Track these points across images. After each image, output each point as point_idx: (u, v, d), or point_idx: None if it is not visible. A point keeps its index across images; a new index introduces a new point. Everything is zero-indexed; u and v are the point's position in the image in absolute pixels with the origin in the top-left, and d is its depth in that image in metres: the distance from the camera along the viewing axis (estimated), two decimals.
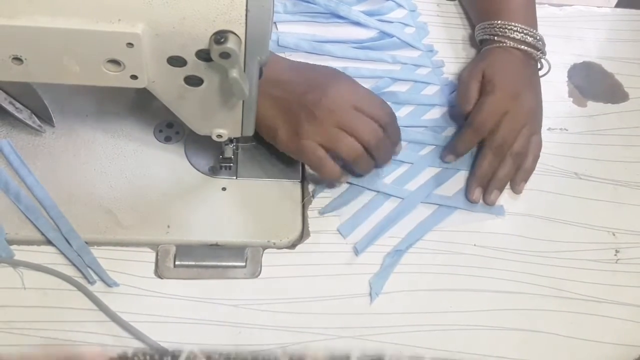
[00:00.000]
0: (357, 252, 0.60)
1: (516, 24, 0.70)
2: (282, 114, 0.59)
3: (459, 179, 0.67)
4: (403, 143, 0.68)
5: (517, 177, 0.66)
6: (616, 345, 0.58)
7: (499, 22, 0.71)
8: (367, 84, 0.71)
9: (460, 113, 0.69)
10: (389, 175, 0.66)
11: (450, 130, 0.71)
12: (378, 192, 0.64)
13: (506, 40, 0.70)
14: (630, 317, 0.60)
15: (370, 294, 0.58)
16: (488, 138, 0.65)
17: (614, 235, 0.65)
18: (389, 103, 0.70)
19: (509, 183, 0.66)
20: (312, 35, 0.76)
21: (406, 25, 0.79)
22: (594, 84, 0.78)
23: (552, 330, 0.58)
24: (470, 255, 0.62)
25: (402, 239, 0.62)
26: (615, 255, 0.64)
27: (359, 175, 0.64)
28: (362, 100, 0.60)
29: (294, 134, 0.59)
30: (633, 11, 0.87)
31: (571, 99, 0.76)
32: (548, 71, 0.72)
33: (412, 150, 0.68)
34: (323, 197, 0.64)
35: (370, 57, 0.75)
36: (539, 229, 0.65)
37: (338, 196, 0.64)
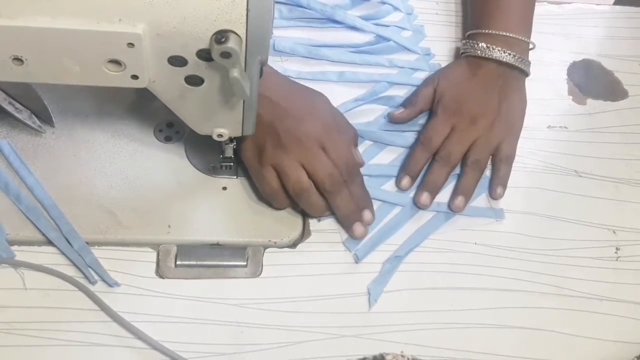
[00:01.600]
0: (357, 259, 0.60)
1: (496, 45, 0.69)
2: (255, 132, 0.58)
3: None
4: (400, 149, 0.68)
5: (493, 184, 0.66)
6: (617, 342, 0.58)
7: (478, 40, 0.71)
8: (364, 89, 0.72)
9: (398, 114, 0.69)
10: (389, 183, 0.66)
11: None
12: (381, 201, 0.64)
13: (478, 55, 0.70)
14: (631, 314, 0.60)
15: (369, 300, 0.58)
16: (437, 152, 0.66)
17: (614, 232, 0.65)
18: (386, 107, 0.71)
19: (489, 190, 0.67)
20: (309, 39, 0.76)
21: (403, 29, 0.79)
22: (593, 81, 0.78)
23: (553, 328, 0.58)
24: (470, 253, 0.62)
25: (401, 245, 0.61)
26: (616, 252, 0.64)
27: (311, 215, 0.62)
28: (330, 143, 0.60)
29: (258, 151, 0.59)
30: (632, 8, 0.87)
31: (571, 97, 0.76)
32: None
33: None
34: None
35: (367, 61, 0.75)
36: (539, 227, 0.65)
37: None
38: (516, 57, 0.69)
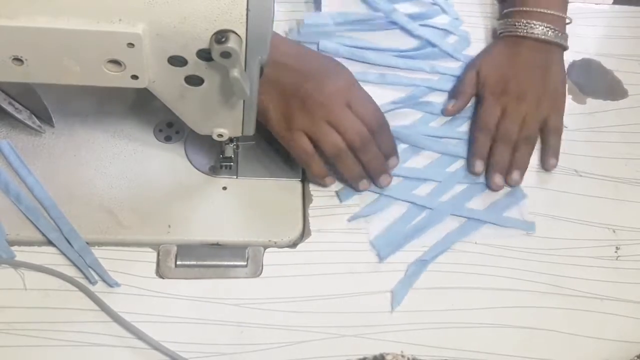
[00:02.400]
0: (381, 258, 0.60)
1: (536, 22, 0.70)
2: (276, 97, 0.60)
3: (492, 194, 0.66)
4: (436, 154, 0.68)
5: (545, 155, 0.69)
6: (617, 342, 0.58)
7: (515, 17, 0.72)
8: (403, 92, 0.72)
9: (451, 108, 0.71)
10: (420, 188, 0.66)
11: None
12: (409, 202, 0.64)
13: (517, 33, 0.71)
14: (631, 314, 0.60)
15: (392, 303, 0.58)
16: (496, 132, 0.68)
17: (614, 232, 0.65)
18: (424, 112, 0.71)
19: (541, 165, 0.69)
20: (353, 41, 0.76)
21: (449, 32, 0.79)
22: (593, 81, 0.78)
23: (553, 327, 0.58)
24: (471, 253, 0.62)
25: (428, 249, 0.61)
26: (616, 252, 0.64)
27: (348, 182, 0.63)
28: (355, 99, 0.61)
29: (284, 119, 0.59)
30: (631, 8, 0.87)
31: (570, 96, 0.76)
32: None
33: (447, 161, 0.68)
34: (350, 205, 0.63)
35: (409, 65, 0.75)
36: (539, 227, 0.64)
37: (367, 205, 0.63)
38: (556, 33, 0.70)
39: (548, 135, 0.69)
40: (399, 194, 0.64)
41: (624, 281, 0.62)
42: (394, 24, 0.78)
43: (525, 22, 0.71)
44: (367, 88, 0.68)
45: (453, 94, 0.72)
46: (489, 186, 0.66)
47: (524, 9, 0.72)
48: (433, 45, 0.77)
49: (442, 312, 0.58)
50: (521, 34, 0.71)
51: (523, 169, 0.67)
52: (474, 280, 0.60)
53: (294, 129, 0.59)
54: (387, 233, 0.62)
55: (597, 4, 0.86)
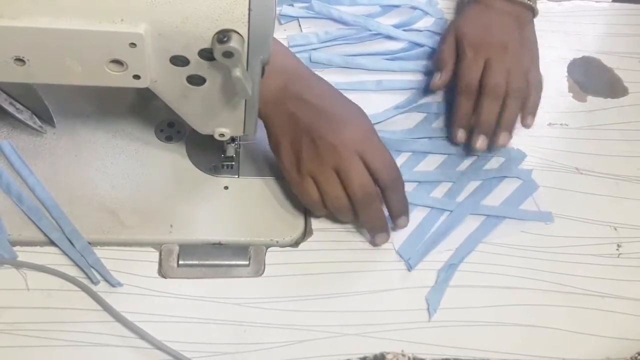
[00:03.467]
0: (410, 267, 0.60)
1: None
2: (289, 132, 0.58)
3: (505, 188, 0.67)
4: (443, 156, 0.68)
5: (524, 112, 0.66)
6: (618, 339, 0.58)
7: None
8: (402, 96, 0.72)
9: (438, 81, 0.69)
10: (436, 190, 0.66)
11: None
12: (429, 207, 0.64)
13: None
14: (633, 311, 0.60)
15: (428, 310, 0.58)
16: (481, 86, 0.65)
17: (615, 229, 0.65)
18: (425, 113, 0.71)
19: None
20: (345, 51, 0.76)
21: (435, 33, 0.79)
22: (593, 78, 0.78)
23: (554, 325, 0.58)
24: (472, 251, 0.62)
25: (454, 252, 0.61)
26: (617, 249, 0.64)
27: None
28: (369, 150, 0.57)
29: (295, 158, 0.58)
30: (631, 5, 0.87)
31: (571, 94, 0.76)
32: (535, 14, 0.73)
33: (456, 161, 0.68)
34: None
35: (403, 67, 0.75)
36: (540, 224, 0.65)
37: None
38: None
39: (531, 89, 0.66)
40: (416, 200, 0.64)
41: (625, 279, 0.62)
42: (378, 34, 0.78)
43: None
44: (366, 96, 0.69)
45: (435, 65, 0.70)
46: (473, 149, 0.64)
47: None
48: (421, 45, 0.77)
49: (443, 311, 0.58)
50: None
51: (512, 128, 0.64)
52: (475, 278, 0.60)
53: (303, 174, 0.57)
54: (411, 240, 0.62)
55: (597, 1, 0.87)
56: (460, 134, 0.64)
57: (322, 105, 0.58)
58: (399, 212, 0.60)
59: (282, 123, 0.58)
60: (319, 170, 0.57)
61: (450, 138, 0.65)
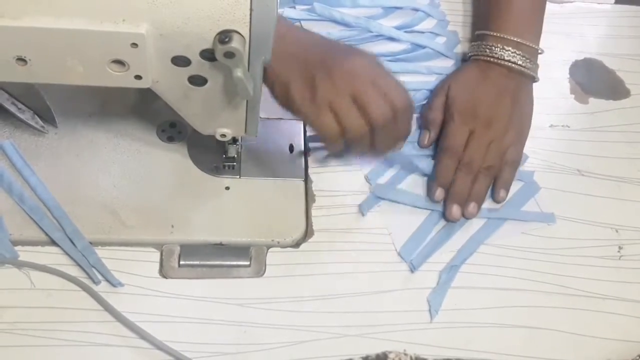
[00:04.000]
0: (413, 268, 0.60)
1: (509, 48, 0.69)
2: (299, 70, 0.57)
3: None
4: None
5: (496, 187, 0.66)
6: (620, 341, 0.58)
7: (489, 42, 0.70)
8: None
9: (427, 142, 0.69)
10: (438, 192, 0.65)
11: None
12: (430, 210, 0.64)
13: (490, 58, 0.69)
14: (634, 313, 0.60)
15: (430, 312, 0.58)
16: (460, 164, 0.66)
17: (617, 231, 0.65)
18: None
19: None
20: None
21: (437, 34, 0.79)
22: (595, 80, 0.78)
23: (555, 327, 0.58)
24: (474, 253, 0.62)
25: (456, 254, 0.61)
26: (619, 251, 0.64)
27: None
28: (382, 77, 0.58)
29: (308, 90, 0.56)
30: (633, 7, 0.87)
31: (573, 96, 0.76)
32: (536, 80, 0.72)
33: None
34: (354, 205, 0.63)
35: (405, 69, 0.75)
36: (542, 226, 0.65)
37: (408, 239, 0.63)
38: (526, 59, 0.69)
39: (504, 166, 0.66)
40: (417, 202, 0.64)
41: (627, 280, 0.62)
42: (380, 36, 0.78)
43: (500, 47, 0.69)
44: None
45: (424, 123, 0.70)
46: (446, 217, 0.64)
47: (498, 34, 0.70)
48: (423, 46, 0.77)
49: (444, 312, 0.58)
50: (493, 58, 0.69)
51: (481, 201, 0.64)
52: (477, 279, 0.60)
53: (319, 102, 0.56)
54: (412, 242, 0.62)
55: (599, 3, 0.86)
56: (439, 193, 0.64)
57: (327, 41, 0.59)
58: (404, 133, 0.62)
59: (287, 66, 0.57)
60: (337, 98, 0.56)
61: (428, 193, 0.65)
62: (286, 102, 0.58)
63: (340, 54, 0.58)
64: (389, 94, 0.57)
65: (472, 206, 0.64)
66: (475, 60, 0.71)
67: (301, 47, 0.58)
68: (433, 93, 0.72)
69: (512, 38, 0.69)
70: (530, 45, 0.70)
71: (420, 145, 0.69)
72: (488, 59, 0.69)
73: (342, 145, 0.59)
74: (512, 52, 0.69)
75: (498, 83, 0.68)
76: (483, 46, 0.70)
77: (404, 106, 0.58)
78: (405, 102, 0.59)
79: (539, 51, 0.71)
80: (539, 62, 0.71)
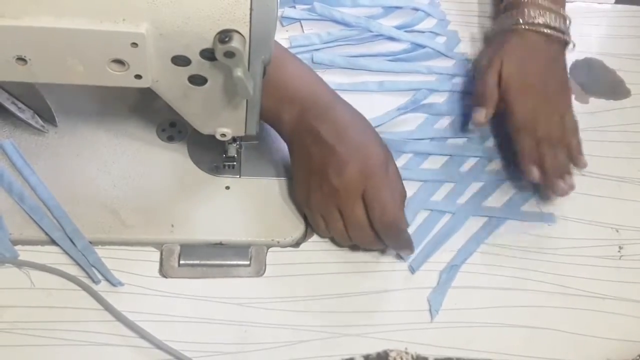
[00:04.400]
0: (412, 270, 0.60)
1: (543, 12, 0.68)
2: (305, 167, 0.59)
3: (506, 189, 0.67)
4: (444, 157, 0.68)
5: (573, 155, 0.66)
6: (620, 341, 0.58)
7: (525, 7, 0.69)
8: (404, 97, 0.72)
9: (484, 119, 0.67)
10: (437, 192, 0.66)
11: (492, 141, 0.70)
12: (431, 210, 0.64)
13: (526, 26, 0.69)
14: (634, 313, 0.60)
15: (430, 311, 0.58)
16: (538, 137, 0.65)
17: (617, 231, 0.65)
18: (427, 115, 0.71)
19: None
20: (347, 52, 0.76)
21: (437, 34, 0.79)
22: (595, 80, 0.78)
23: (555, 326, 0.58)
24: (474, 252, 0.62)
25: (456, 254, 0.61)
26: (619, 251, 0.64)
27: None
28: (370, 192, 0.57)
29: (305, 192, 0.59)
30: (634, 7, 0.87)
31: (573, 96, 0.76)
32: (573, 47, 0.72)
33: (458, 162, 0.68)
34: None
35: (405, 69, 0.75)
36: (542, 226, 0.65)
37: None
38: (562, 23, 0.69)
39: (569, 134, 0.66)
40: (417, 203, 0.64)
41: (627, 280, 0.62)
42: (380, 35, 0.78)
43: (538, 11, 0.68)
44: (368, 97, 0.69)
45: (478, 100, 0.68)
46: (558, 194, 0.64)
47: (532, 0, 0.70)
48: (423, 46, 0.77)
49: (445, 312, 0.58)
50: (532, 25, 0.68)
51: (570, 172, 0.65)
52: (477, 279, 0.60)
53: (312, 209, 0.59)
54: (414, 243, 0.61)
55: (599, 3, 0.86)
56: (536, 171, 0.64)
57: (333, 143, 0.57)
58: (399, 249, 0.60)
59: (300, 155, 0.60)
60: (324, 208, 0.58)
61: (525, 174, 0.64)
62: (293, 179, 0.62)
63: (338, 164, 0.57)
64: (371, 215, 0.57)
65: (569, 179, 0.64)
66: (515, 31, 0.70)
67: (312, 139, 0.58)
68: (482, 70, 0.69)
69: (545, 4, 0.69)
70: (560, 11, 0.70)
71: (476, 123, 0.67)
72: (527, 27, 0.69)
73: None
74: (549, 16, 0.68)
75: (544, 52, 0.69)
76: (516, 13, 0.70)
77: (384, 227, 0.57)
78: (386, 223, 0.57)
79: (567, 20, 0.71)
80: None
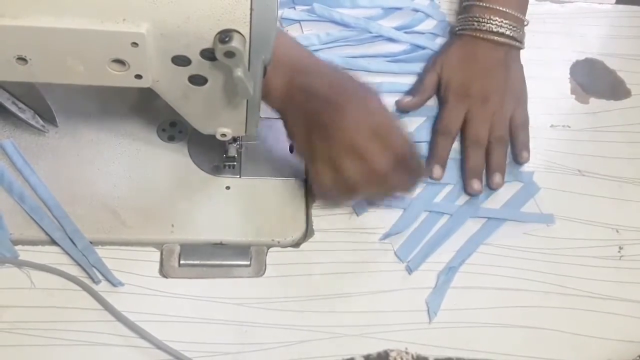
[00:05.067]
0: (410, 270, 0.60)
1: (495, 18, 0.70)
2: (303, 125, 0.58)
3: (506, 191, 0.67)
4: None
5: (516, 151, 0.69)
6: (620, 341, 0.58)
7: (475, 13, 0.71)
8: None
9: (407, 102, 0.70)
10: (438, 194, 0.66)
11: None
12: (430, 211, 0.64)
13: (477, 32, 0.71)
14: (634, 313, 0.60)
15: (429, 313, 0.58)
16: (464, 138, 0.68)
17: (617, 232, 0.65)
18: (424, 117, 0.71)
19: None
20: (346, 53, 0.76)
21: (437, 35, 0.79)
22: (596, 80, 0.78)
23: (556, 327, 0.58)
24: (474, 253, 0.62)
25: (454, 255, 0.61)
26: (619, 252, 0.64)
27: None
28: (381, 125, 0.57)
29: (309, 149, 0.58)
30: (635, 7, 0.87)
31: (574, 96, 0.76)
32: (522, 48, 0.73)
33: (453, 164, 0.68)
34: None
35: (405, 70, 0.75)
36: (542, 226, 0.65)
37: (395, 224, 0.62)
38: (513, 29, 0.70)
39: (516, 130, 0.69)
40: (416, 204, 0.64)
41: (627, 281, 0.62)
42: (379, 36, 0.78)
43: (487, 17, 0.70)
44: None
45: (411, 91, 0.72)
46: (467, 192, 0.65)
47: (483, 4, 0.71)
48: (423, 47, 0.77)
49: (444, 312, 0.58)
50: (479, 32, 0.70)
51: (502, 170, 0.66)
52: (477, 279, 0.60)
53: (317, 160, 0.57)
54: (409, 243, 0.62)
55: (600, 3, 0.86)
56: (437, 169, 0.66)
57: (328, 94, 0.57)
58: (417, 174, 0.61)
59: (294, 117, 0.58)
60: (333, 150, 0.56)
61: (429, 175, 0.66)
62: (295, 145, 0.61)
63: (340, 109, 0.56)
64: (390, 142, 0.57)
65: (497, 177, 0.66)
66: (462, 36, 0.72)
67: (306, 97, 0.57)
68: (425, 69, 0.73)
69: (495, 7, 0.70)
70: (515, 13, 0.71)
71: (398, 106, 0.70)
72: (475, 33, 0.71)
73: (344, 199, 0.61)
74: (498, 23, 0.70)
75: (487, 57, 0.70)
76: (470, 19, 0.71)
77: (407, 151, 0.58)
78: (407, 148, 0.58)
79: (525, 22, 0.72)
80: (539, 59, 0.73)
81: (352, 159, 0.56)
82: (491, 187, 0.66)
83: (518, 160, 0.68)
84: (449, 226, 0.63)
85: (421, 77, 0.72)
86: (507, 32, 0.70)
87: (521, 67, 0.73)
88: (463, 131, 0.68)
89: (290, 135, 0.60)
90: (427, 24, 0.80)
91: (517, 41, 0.71)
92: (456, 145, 0.69)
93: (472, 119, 0.68)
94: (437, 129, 0.68)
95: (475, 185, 0.65)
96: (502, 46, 0.71)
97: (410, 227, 0.63)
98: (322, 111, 0.56)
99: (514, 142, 0.69)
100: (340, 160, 0.56)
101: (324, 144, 0.57)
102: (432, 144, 0.68)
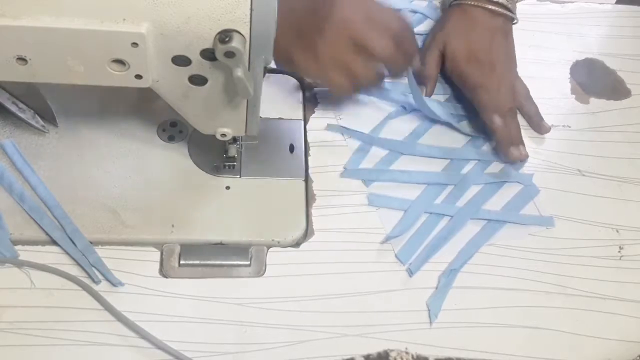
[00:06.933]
0: (411, 273, 0.60)
1: None
2: (295, 35, 0.57)
3: (506, 192, 0.66)
4: (445, 161, 0.68)
5: (532, 122, 0.71)
6: (620, 341, 0.58)
7: None
8: (404, 98, 0.72)
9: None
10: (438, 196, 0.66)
11: (492, 143, 0.70)
12: (430, 213, 0.64)
13: (470, 1, 0.71)
14: (635, 313, 0.60)
15: (429, 315, 0.58)
16: (482, 108, 0.68)
17: (617, 232, 0.65)
18: (425, 117, 0.71)
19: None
20: None
21: None
22: (596, 80, 0.78)
23: (556, 327, 0.58)
24: (474, 253, 0.62)
25: (455, 257, 0.61)
26: (619, 252, 0.64)
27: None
28: (375, 10, 0.58)
29: (311, 54, 0.57)
30: (635, 7, 0.87)
31: (574, 96, 0.76)
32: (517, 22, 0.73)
33: (458, 165, 0.68)
34: (355, 205, 0.63)
35: None
36: (542, 227, 0.64)
37: (395, 226, 0.62)
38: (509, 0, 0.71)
39: (523, 102, 0.70)
40: (416, 206, 0.64)
41: (628, 281, 0.62)
42: None
43: None
44: (367, 99, 0.69)
45: (420, 78, 0.71)
46: (511, 160, 0.67)
47: None
48: (421, 48, 0.77)
49: (445, 312, 0.58)
50: (476, 1, 0.70)
51: (522, 142, 0.68)
52: (477, 279, 0.60)
53: (323, 62, 0.57)
54: (410, 245, 0.61)
55: (600, 3, 0.86)
56: (522, 149, 0.67)
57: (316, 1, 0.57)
58: (412, 53, 0.63)
59: (284, 34, 0.56)
60: (338, 49, 0.57)
61: (506, 157, 0.68)
62: (291, 67, 0.60)
63: (329, 5, 0.57)
64: (388, 24, 0.58)
65: (522, 148, 0.67)
66: (458, 6, 0.72)
67: (291, 11, 0.56)
68: (425, 48, 0.73)
69: None
70: None
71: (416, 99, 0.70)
72: (472, 2, 0.71)
73: (354, 92, 0.61)
74: None
75: (487, 24, 0.70)
76: None
77: (403, 29, 0.60)
78: (403, 25, 0.60)
79: None
80: (539, 59, 0.74)
81: (355, 54, 0.57)
82: (518, 159, 0.67)
83: (540, 132, 0.69)
84: (450, 228, 0.63)
85: (424, 59, 0.72)
86: (502, 1, 0.70)
87: (513, 39, 0.73)
88: (478, 101, 0.68)
89: (282, 54, 0.58)
90: (426, 25, 0.80)
91: (512, 12, 0.71)
92: (456, 144, 0.69)
93: (487, 87, 0.68)
94: (472, 88, 0.68)
95: (515, 152, 0.66)
96: (499, 16, 0.71)
97: (410, 229, 0.62)
98: (312, 14, 0.56)
99: (527, 114, 0.70)
100: (345, 59, 0.57)
101: (324, 43, 0.56)
102: (495, 127, 0.67)
